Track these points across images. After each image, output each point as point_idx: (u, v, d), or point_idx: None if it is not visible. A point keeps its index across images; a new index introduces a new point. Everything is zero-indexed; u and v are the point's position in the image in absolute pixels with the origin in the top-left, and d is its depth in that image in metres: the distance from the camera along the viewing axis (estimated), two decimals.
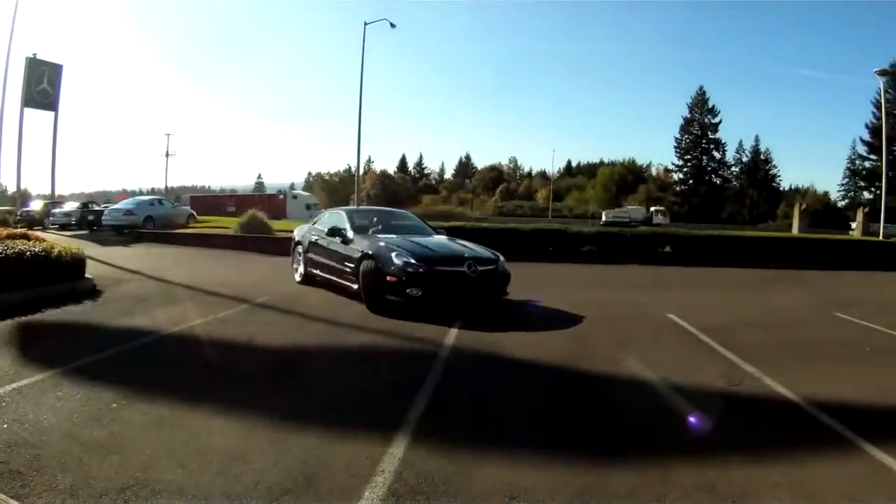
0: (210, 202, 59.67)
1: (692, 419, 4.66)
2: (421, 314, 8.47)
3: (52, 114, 40.40)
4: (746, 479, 3.62)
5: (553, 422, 4.79)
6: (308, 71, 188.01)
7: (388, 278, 8.85)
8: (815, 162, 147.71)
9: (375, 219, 11.77)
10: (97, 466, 3.64)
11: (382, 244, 9.51)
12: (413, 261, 8.86)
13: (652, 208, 63.37)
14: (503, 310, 9.64)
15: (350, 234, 10.43)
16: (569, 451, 4.10)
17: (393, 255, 8.99)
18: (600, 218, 62.46)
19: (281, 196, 61.01)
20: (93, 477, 3.50)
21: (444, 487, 3.50)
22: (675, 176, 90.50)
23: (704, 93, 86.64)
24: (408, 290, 8.71)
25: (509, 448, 4.15)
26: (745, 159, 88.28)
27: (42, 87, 39.42)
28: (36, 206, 34.32)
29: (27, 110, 38.35)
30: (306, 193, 68.09)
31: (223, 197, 69.34)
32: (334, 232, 10.67)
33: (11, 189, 42.24)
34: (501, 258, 9.87)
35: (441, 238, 10.95)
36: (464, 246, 10.12)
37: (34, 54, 39.64)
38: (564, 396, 5.50)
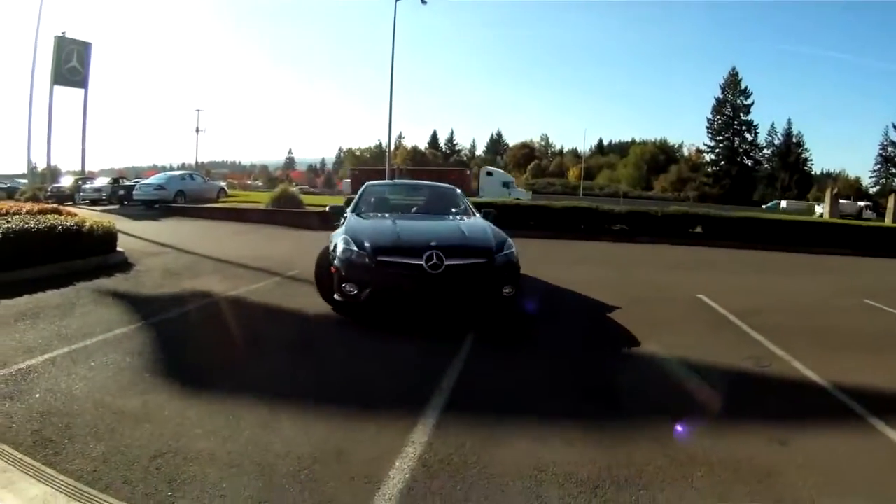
0: (377, 175, 51.81)
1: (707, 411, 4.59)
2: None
3: (81, 91, 40.88)
4: (772, 459, 3.68)
5: (582, 399, 4.79)
6: (341, 45, 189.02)
7: (331, 269, 6.94)
8: (847, 147, 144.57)
9: (396, 196, 9.95)
10: (129, 435, 3.69)
11: (350, 225, 7.55)
12: (354, 248, 6.72)
13: (860, 203, 61.83)
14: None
15: (348, 213, 8.47)
16: (596, 429, 4.13)
17: (340, 238, 6.99)
18: (625, 196, 61.43)
19: (469, 171, 56.86)
20: (125, 445, 3.55)
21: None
22: (707, 157, 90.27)
23: (737, 73, 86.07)
24: (343, 286, 6.65)
25: (539, 424, 4.20)
26: (777, 142, 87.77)
27: (71, 65, 40.05)
28: (66, 182, 34.80)
29: (57, 88, 38.86)
30: (501, 170, 62.10)
31: (393, 171, 62.69)
32: (338, 212, 8.94)
33: (42, 166, 42.86)
34: (508, 248, 7.10)
35: (455, 221, 8.31)
36: (458, 231, 7.57)
37: (63, 33, 40.35)
38: (593, 374, 5.55)
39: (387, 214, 8.39)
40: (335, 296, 6.77)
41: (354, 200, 9.16)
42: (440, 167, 62.81)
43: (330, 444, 3.70)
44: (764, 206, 61.70)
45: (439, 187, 10.66)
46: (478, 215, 8.93)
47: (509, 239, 7.33)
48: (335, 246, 6.99)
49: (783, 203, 62.40)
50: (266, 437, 3.76)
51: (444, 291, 6.55)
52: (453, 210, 9.17)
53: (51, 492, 2.99)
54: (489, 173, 55.06)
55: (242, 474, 3.28)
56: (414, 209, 9.24)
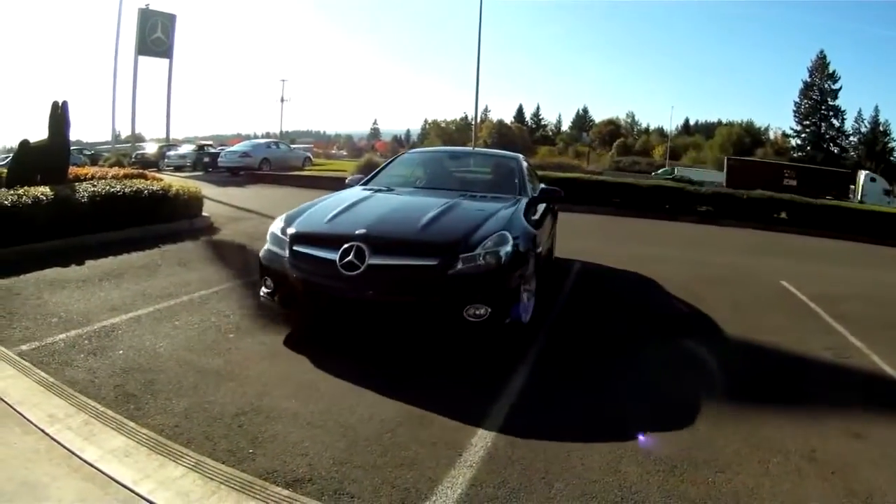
0: (758, 170, 46.67)
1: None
2: None
3: (166, 61, 42.40)
4: (847, 451, 3.65)
5: (659, 379, 4.72)
6: (428, 17, 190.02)
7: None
8: None
9: (429, 167, 7.76)
10: (212, 392, 3.76)
11: (308, 203, 5.90)
12: (279, 233, 5.15)
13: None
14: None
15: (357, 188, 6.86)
16: (675, 410, 4.11)
17: (277, 219, 5.45)
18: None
19: (850, 173, 52.53)
20: (208, 402, 3.61)
21: None
22: (793, 142, 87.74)
23: (825, 57, 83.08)
24: (264, 279, 5.15)
25: (615, 407, 4.14)
26: (863, 130, 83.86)
27: (156, 35, 41.67)
28: (150, 148, 36.13)
29: (142, 58, 40.47)
30: (881, 178, 53.88)
31: (775, 166, 54.41)
32: (353, 184, 7.17)
33: (126, 134, 44.79)
34: (492, 247, 4.79)
35: (455, 201, 5.75)
36: (419, 216, 5.18)
37: (147, 5, 41.86)
38: (671, 353, 5.46)
39: (390, 189, 6.61)
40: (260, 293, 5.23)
41: (375, 171, 7.64)
42: (811, 167, 55.99)
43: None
44: (654, 174, 54.41)
45: (492, 159, 8.69)
46: (524, 197, 6.49)
47: (508, 233, 5.02)
48: None
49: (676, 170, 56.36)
50: (348, 401, 3.75)
51: (362, 302, 4.64)
52: (496, 188, 6.86)
53: (132, 444, 3.05)
54: (872, 179, 51.51)
55: (325, 434, 3.28)
56: (443, 185, 6.93)
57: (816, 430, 3.90)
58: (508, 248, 4.86)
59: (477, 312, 4.58)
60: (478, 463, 3.10)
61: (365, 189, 6.59)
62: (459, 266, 4.65)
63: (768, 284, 9.03)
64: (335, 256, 4.60)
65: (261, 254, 5.24)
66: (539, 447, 3.32)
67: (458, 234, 4.91)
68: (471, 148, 12.30)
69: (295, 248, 4.89)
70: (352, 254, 4.56)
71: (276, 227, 5.25)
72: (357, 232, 4.74)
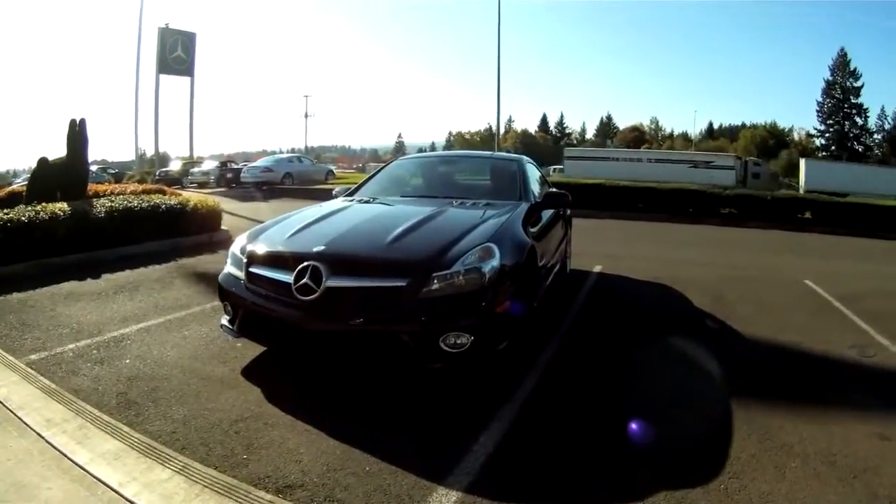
0: None
1: None
2: None
3: (188, 79, 42.98)
4: (870, 454, 3.52)
5: (670, 378, 4.71)
6: (451, 31, 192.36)
7: None
8: None
9: (422, 174, 7.21)
10: (213, 400, 3.81)
11: (276, 218, 5.47)
12: (238, 252, 4.65)
13: None
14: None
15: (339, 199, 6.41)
16: (689, 409, 4.10)
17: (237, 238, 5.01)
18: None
19: None
20: (208, 409, 3.66)
21: None
22: (817, 142, 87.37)
23: (846, 54, 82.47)
24: (224, 305, 4.62)
25: (630, 398, 4.20)
26: (887, 127, 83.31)
27: (176, 54, 42.16)
28: (174, 166, 36.82)
29: (163, 77, 41.06)
30: None
31: None
32: (339, 195, 6.69)
33: (150, 152, 45.47)
34: (472, 263, 4.07)
35: (441, 209, 5.15)
36: (388, 230, 4.49)
37: (166, 24, 42.39)
38: (694, 351, 5.37)
39: (374, 199, 6.05)
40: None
41: (363, 180, 7.13)
42: None
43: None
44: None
45: (490, 162, 7.70)
46: (525, 203, 5.78)
47: (494, 245, 4.27)
48: None
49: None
50: (349, 409, 3.77)
51: (320, 333, 3.98)
52: (494, 193, 6.12)
53: (123, 448, 3.12)
54: None
55: (322, 440, 3.29)
56: (434, 192, 6.19)
57: (838, 432, 3.79)
58: (494, 262, 4.14)
59: (457, 342, 3.89)
60: None
61: (345, 200, 6.14)
62: (434, 286, 3.95)
63: (792, 282, 8.97)
64: (290, 278, 4.03)
65: (220, 277, 4.69)
66: None
67: (432, 249, 4.22)
68: (467, 151, 11.45)
69: (251, 269, 4.38)
70: (307, 275, 3.96)
71: (236, 245, 4.74)
72: (314, 250, 4.14)
